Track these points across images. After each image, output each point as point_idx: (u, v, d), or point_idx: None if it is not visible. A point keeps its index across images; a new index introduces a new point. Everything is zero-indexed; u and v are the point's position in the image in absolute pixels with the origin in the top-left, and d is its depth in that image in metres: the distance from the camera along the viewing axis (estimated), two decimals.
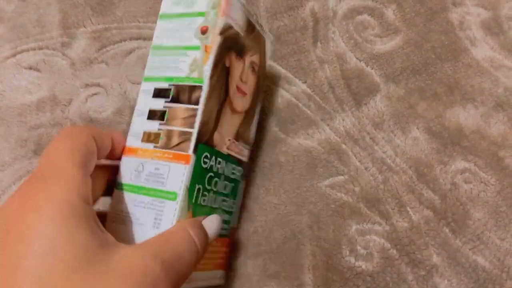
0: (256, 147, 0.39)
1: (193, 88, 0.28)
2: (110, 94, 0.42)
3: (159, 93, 0.29)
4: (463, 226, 0.37)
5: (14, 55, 0.43)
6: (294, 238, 0.37)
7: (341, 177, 0.39)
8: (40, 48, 0.44)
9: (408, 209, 0.37)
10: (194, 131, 0.28)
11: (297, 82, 0.43)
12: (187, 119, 0.28)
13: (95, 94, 0.42)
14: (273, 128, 0.41)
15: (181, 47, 0.29)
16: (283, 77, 0.43)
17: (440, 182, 0.38)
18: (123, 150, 0.29)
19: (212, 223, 0.28)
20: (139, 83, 0.42)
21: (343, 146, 0.40)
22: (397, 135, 0.41)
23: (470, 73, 0.44)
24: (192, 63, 0.29)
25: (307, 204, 0.38)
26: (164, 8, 0.31)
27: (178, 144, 0.28)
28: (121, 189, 0.28)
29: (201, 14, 0.30)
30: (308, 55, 0.44)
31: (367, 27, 0.46)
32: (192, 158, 0.27)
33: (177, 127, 0.28)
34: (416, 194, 0.38)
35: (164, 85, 0.29)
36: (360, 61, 0.44)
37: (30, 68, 0.43)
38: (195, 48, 0.29)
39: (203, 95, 0.28)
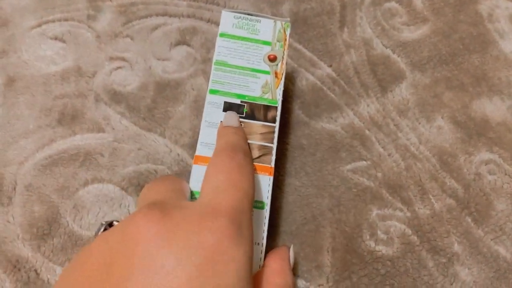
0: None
1: (268, 108, 0.32)
2: (135, 68, 0.42)
3: (230, 108, 0.31)
4: (485, 217, 0.36)
5: (39, 25, 0.43)
6: (314, 220, 0.37)
7: (364, 162, 0.39)
8: (66, 20, 0.44)
9: (431, 196, 0.37)
10: (274, 146, 0.31)
11: (322, 66, 0.43)
12: (265, 135, 0.31)
13: (119, 67, 0.42)
14: (297, 111, 0.41)
15: (249, 69, 0.33)
16: (309, 60, 0.43)
17: (464, 172, 0.38)
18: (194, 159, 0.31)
19: (292, 255, 0.29)
20: (164, 60, 0.42)
21: (367, 131, 0.40)
22: (422, 123, 0.40)
23: (498, 66, 0.43)
24: (265, 85, 0.32)
25: (329, 187, 0.38)
26: (224, 28, 0.34)
27: (259, 157, 0.30)
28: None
29: (266, 43, 0.34)
30: (334, 39, 0.44)
31: (394, 14, 0.46)
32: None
33: (256, 141, 0.31)
34: (439, 182, 0.38)
35: (235, 101, 0.32)
36: (387, 48, 0.44)
37: (56, 39, 0.43)
38: (265, 72, 0.33)
39: (279, 114, 0.32)
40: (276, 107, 0.32)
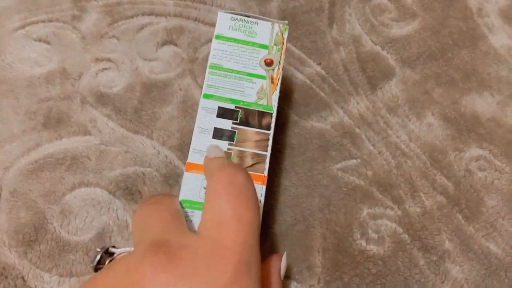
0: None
1: (263, 114, 0.31)
2: (121, 69, 0.41)
3: (224, 113, 0.31)
4: (476, 213, 0.36)
5: (23, 27, 0.42)
6: (304, 221, 0.36)
7: (354, 160, 0.38)
8: (50, 21, 0.43)
9: (421, 194, 0.37)
10: (268, 154, 0.30)
11: (311, 64, 0.42)
12: (259, 142, 0.30)
13: (105, 69, 0.41)
14: (286, 110, 0.40)
15: (245, 73, 0.32)
16: (297, 58, 0.42)
17: (454, 169, 0.38)
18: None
19: (284, 265, 0.28)
20: (151, 60, 0.41)
21: (357, 129, 0.39)
22: (412, 120, 0.40)
23: (487, 61, 0.43)
24: (260, 91, 0.31)
25: (319, 187, 0.37)
26: (220, 29, 0.33)
27: (252, 165, 0.30)
28: (188, 207, 0.28)
29: (263, 46, 0.33)
30: (323, 37, 0.43)
31: (384, 10, 0.45)
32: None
33: (250, 149, 0.30)
34: (430, 179, 0.37)
35: (229, 106, 0.31)
36: (376, 44, 0.43)
37: (40, 40, 0.42)
38: (261, 77, 0.32)
39: (273, 121, 0.31)
40: (271, 114, 0.31)
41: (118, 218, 0.35)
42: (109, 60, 0.41)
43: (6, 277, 0.33)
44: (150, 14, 0.44)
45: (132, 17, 0.44)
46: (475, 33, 0.45)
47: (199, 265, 0.20)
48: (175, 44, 0.42)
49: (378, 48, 0.43)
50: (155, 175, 0.37)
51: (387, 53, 0.43)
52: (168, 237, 0.22)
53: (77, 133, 0.38)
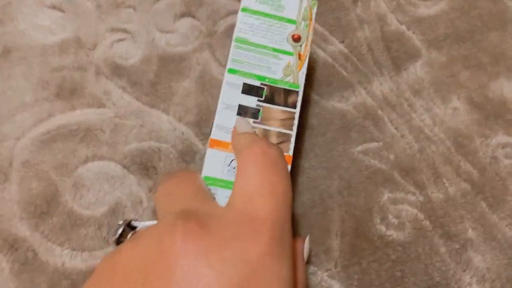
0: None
1: (289, 92, 0.30)
2: (137, 41, 0.39)
3: (249, 90, 0.29)
4: (501, 202, 0.35)
5: None
6: (323, 203, 0.35)
7: (376, 143, 0.37)
8: None
9: (445, 180, 0.36)
10: (293, 133, 0.29)
11: (334, 41, 0.41)
12: (285, 121, 0.29)
13: (121, 39, 0.40)
14: (307, 89, 0.39)
15: (272, 48, 0.30)
16: (320, 35, 0.41)
17: (479, 155, 0.37)
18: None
19: (307, 248, 0.27)
20: (168, 32, 0.40)
21: (380, 111, 0.38)
22: (437, 104, 0.38)
23: None
24: (286, 68, 0.30)
25: (338, 169, 0.36)
26: (246, 2, 0.31)
27: (277, 144, 0.28)
28: (211, 184, 0.27)
29: (291, 21, 0.31)
30: (347, 14, 0.42)
31: None
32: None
33: (275, 128, 0.29)
34: (454, 165, 0.36)
35: (254, 82, 0.30)
36: (402, 24, 0.42)
37: (54, 8, 0.40)
38: (288, 53, 0.31)
39: (300, 99, 0.30)
40: (298, 92, 0.30)
41: (132, 193, 0.34)
42: (125, 30, 0.40)
43: (16, 249, 0.32)
44: None
45: None
46: (505, 15, 0.43)
47: (231, 236, 0.19)
48: (193, 17, 0.41)
49: (403, 27, 0.41)
50: (171, 151, 0.35)
51: (413, 33, 0.41)
52: (197, 207, 0.21)
53: (91, 105, 0.37)
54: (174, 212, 0.20)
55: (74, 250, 0.32)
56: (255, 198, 0.21)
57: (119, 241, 0.24)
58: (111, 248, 0.32)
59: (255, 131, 0.28)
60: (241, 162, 0.23)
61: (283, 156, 0.24)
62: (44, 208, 0.33)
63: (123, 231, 0.24)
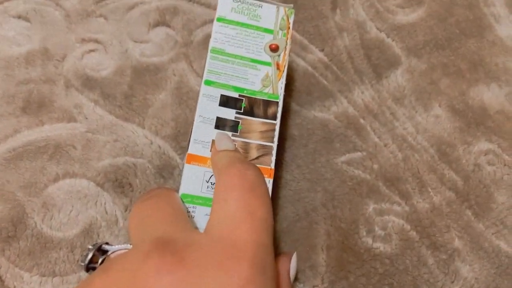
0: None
1: (268, 103, 0.29)
2: (110, 51, 0.38)
3: (227, 102, 0.28)
4: (486, 210, 0.35)
5: (1, 2, 0.39)
6: (307, 217, 0.34)
7: (359, 153, 0.36)
8: None
9: (429, 189, 0.35)
10: (274, 146, 0.28)
11: (313, 50, 0.40)
12: (265, 133, 0.28)
13: (92, 50, 0.38)
14: (287, 99, 0.38)
15: (249, 59, 0.30)
16: (299, 43, 0.40)
17: (463, 163, 0.36)
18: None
19: (294, 266, 0.25)
20: (142, 42, 0.38)
21: (362, 120, 0.37)
22: (419, 112, 0.38)
23: (494, 51, 0.41)
24: (265, 78, 0.29)
25: (322, 181, 0.35)
26: (222, 12, 0.30)
27: (258, 157, 0.27)
28: (189, 202, 0.25)
29: (268, 31, 0.30)
30: (326, 22, 0.41)
31: None
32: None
33: (255, 141, 0.28)
34: (438, 174, 0.36)
35: (232, 94, 0.28)
36: (381, 31, 0.41)
37: (19, 18, 0.38)
38: (266, 63, 0.30)
39: (280, 111, 0.29)
40: (277, 103, 0.29)
41: (106, 212, 0.32)
42: (96, 41, 0.38)
43: None
44: None
45: None
46: (482, 22, 0.43)
47: (209, 266, 0.18)
48: (168, 26, 0.39)
49: (383, 35, 0.41)
50: (148, 167, 0.34)
51: (392, 40, 0.41)
52: (173, 235, 0.19)
53: (61, 120, 0.35)
54: (149, 240, 0.19)
55: (44, 276, 0.30)
56: (234, 223, 0.20)
57: (88, 267, 0.22)
58: (85, 273, 0.30)
59: (236, 147, 0.27)
60: (219, 186, 0.22)
61: (262, 177, 0.23)
62: (11, 231, 0.31)
63: (93, 255, 0.22)
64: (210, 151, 0.27)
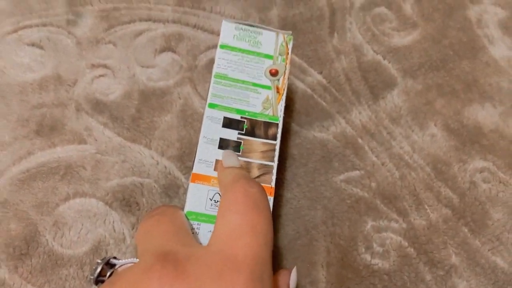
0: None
1: (268, 124, 0.30)
2: (118, 76, 0.40)
3: (230, 124, 0.30)
4: (482, 226, 0.36)
5: (16, 31, 0.41)
6: (307, 234, 0.35)
7: (357, 172, 0.37)
8: (44, 25, 0.41)
9: (426, 206, 0.36)
10: (275, 165, 0.29)
11: (312, 73, 0.41)
12: (266, 153, 0.30)
13: (101, 75, 0.40)
14: (287, 120, 0.39)
15: (250, 83, 0.31)
16: (298, 66, 0.42)
17: (458, 181, 0.37)
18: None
19: (294, 279, 0.26)
20: (148, 67, 0.40)
21: (360, 140, 0.39)
22: (415, 131, 0.39)
23: (488, 72, 0.43)
24: (265, 101, 0.31)
25: (321, 199, 0.36)
26: (225, 39, 0.32)
27: (259, 176, 0.29)
28: (194, 219, 0.27)
29: (268, 56, 0.32)
30: (324, 45, 0.43)
31: (384, 19, 0.45)
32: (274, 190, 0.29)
33: (256, 160, 0.29)
34: (434, 191, 0.37)
35: (235, 116, 0.30)
36: (377, 54, 0.43)
37: (33, 45, 0.40)
38: (267, 87, 0.31)
39: (280, 131, 0.30)
40: (277, 124, 0.31)
41: (114, 230, 0.34)
42: (105, 66, 0.40)
43: None
44: (147, 20, 0.43)
45: (129, 22, 0.42)
46: (475, 44, 0.44)
47: (209, 278, 0.19)
48: (174, 51, 0.41)
49: (379, 57, 0.43)
50: (154, 186, 0.35)
51: (389, 62, 0.43)
52: (176, 248, 0.21)
53: (72, 142, 0.36)
54: (152, 253, 0.20)
55: None
56: (235, 237, 0.21)
57: (97, 280, 0.23)
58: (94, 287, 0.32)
59: (241, 165, 0.28)
60: (224, 201, 0.23)
61: (265, 194, 0.24)
62: (24, 249, 0.33)
63: (101, 269, 0.23)
64: (214, 170, 0.28)
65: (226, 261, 0.20)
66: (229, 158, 0.27)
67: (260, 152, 0.30)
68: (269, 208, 0.23)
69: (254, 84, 0.31)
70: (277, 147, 0.30)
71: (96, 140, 0.37)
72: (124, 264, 0.24)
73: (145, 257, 0.21)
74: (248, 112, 0.30)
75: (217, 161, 0.29)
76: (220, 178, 0.27)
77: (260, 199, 0.23)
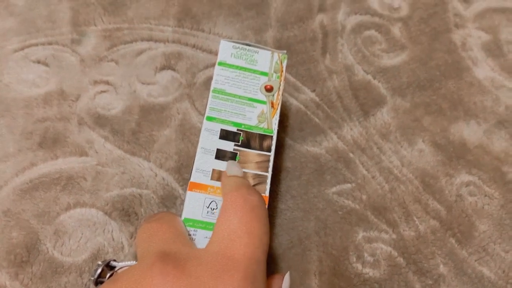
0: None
1: (263, 137, 0.32)
2: (119, 92, 0.41)
3: (226, 135, 0.31)
4: (469, 237, 0.37)
5: (22, 49, 0.43)
6: (301, 244, 0.36)
7: (349, 184, 0.39)
8: (50, 43, 0.43)
9: (415, 218, 0.38)
10: (269, 175, 0.31)
11: (305, 91, 0.43)
12: (261, 164, 0.31)
13: (103, 91, 0.41)
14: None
15: (246, 98, 0.33)
16: (292, 85, 0.44)
17: (445, 194, 0.39)
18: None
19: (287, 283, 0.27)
20: (149, 84, 0.42)
21: (351, 154, 0.40)
22: (404, 147, 0.41)
23: (472, 91, 0.45)
24: (261, 115, 0.33)
25: (314, 210, 0.38)
26: (223, 57, 0.34)
27: (254, 186, 0.30)
28: (191, 225, 0.28)
29: (264, 73, 0.34)
30: (317, 65, 0.45)
31: (374, 42, 0.47)
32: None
33: (251, 170, 0.31)
34: (423, 204, 0.38)
35: (231, 128, 0.32)
36: (368, 73, 0.45)
37: (39, 62, 0.42)
38: (262, 102, 0.33)
39: (274, 143, 0.32)
40: (272, 136, 0.32)
41: (113, 239, 0.35)
42: (107, 83, 0.42)
43: None
44: (148, 40, 0.45)
45: (131, 42, 0.44)
46: (460, 65, 0.47)
47: (208, 276, 0.20)
48: (173, 69, 0.43)
49: (369, 77, 0.45)
50: (152, 197, 0.36)
51: (378, 82, 0.45)
52: (176, 249, 0.22)
53: (73, 154, 0.38)
54: (153, 254, 0.21)
55: None
56: (232, 239, 0.22)
57: (97, 281, 0.24)
58: None
59: (243, 175, 0.30)
60: (224, 206, 0.25)
61: (264, 203, 0.25)
62: (25, 256, 0.33)
63: (102, 271, 0.24)
64: (211, 179, 0.30)
65: (223, 261, 0.21)
66: (232, 167, 0.29)
67: (255, 163, 0.31)
68: (267, 214, 0.25)
69: (250, 99, 0.33)
70: (271, 158, 0.32)
71: (97, 152, 0.38)
72: (124, 267, 0.25)
73: (146, 257, 0.22)
74: (244, 124, 0.32)
75: (213, 170, 0.30)
76: (223, 184, 0.28)
77: (259, 206, 0.24)
